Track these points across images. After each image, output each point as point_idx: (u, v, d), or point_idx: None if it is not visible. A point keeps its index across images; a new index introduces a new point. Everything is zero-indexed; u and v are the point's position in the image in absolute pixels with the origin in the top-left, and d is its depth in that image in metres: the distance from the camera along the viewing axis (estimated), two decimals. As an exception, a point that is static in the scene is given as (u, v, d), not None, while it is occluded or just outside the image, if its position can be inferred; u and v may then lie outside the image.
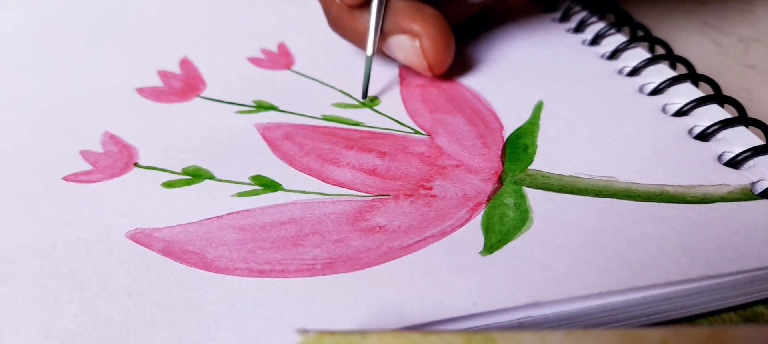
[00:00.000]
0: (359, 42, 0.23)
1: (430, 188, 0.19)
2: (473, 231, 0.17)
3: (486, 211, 0.18)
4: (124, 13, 0.31)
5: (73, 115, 0.23)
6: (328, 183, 0.19)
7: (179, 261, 0.16)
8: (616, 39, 0.25)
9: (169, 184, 0.19)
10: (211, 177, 0.19)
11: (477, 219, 0.17)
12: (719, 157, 0.19)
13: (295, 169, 0.20)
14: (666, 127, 0.20)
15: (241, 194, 0.19)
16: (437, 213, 0.18)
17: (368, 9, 0.22)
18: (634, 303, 0.15)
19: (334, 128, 0.22)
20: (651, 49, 0.25)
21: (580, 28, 0.27)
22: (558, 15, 0.28)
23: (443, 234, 0.17)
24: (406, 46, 0.23)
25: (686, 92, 0.21)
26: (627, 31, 0.26)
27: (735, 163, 0.19)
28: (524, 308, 0.15)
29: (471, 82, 0.24)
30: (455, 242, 0.17)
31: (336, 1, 0.23)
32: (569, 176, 0.19)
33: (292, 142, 0.21)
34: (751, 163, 0.18)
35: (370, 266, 0.16)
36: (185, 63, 0.26)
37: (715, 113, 0.20)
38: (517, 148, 0.20)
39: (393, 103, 0.23)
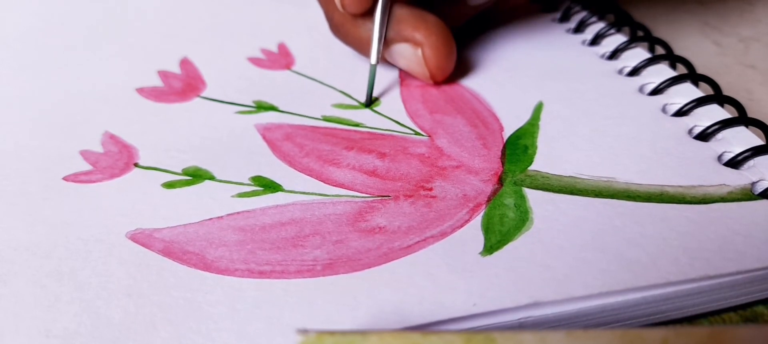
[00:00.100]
0: (362, 49, 0.23)
1: (430, 189, 0.19)
2: (473, 232, 0.17)
3: (486, 212, 0.18)
4: (124, 13, 0.31)
5: (73, 115, 0.23)
6: (328, 184, 0.19)
7: (179, 261, 0.16)
8: (616, 39, 0.25)
9: (169, 185, 0.19)
10: (212, 178, 0.19)
11: (477, 220, 0.17)
12: (719, 157, 0.19)
13: (295, 169, 0.20)
14: (666, 127, 0.20)
15: (241, 195, 0.19)
16: (437, 213, 0.18)
17: (371, 17, 0.22)
18: (634, 304, 0.15)
19: (334, 129, 0.22)
20: (651, 49, 0.25)
21: (580, 28, 0.27)
22: (558, 15, 0.28)
23: (443, 234, 0.17)
24: (408, 55, 0.23)
25: (686, 92, 0.21)
26: (627, 31, 0.26)
27: (735, 163, 0.19)
28: (524, 308, 0.15)
29: (471, 82, 0.24)
30: (455, 243, 0.17)
31: (338, 9, 0.23)
32: (569, 177, 0.19)
33: (292, 142, 0.21)
34: (751, 163, 0.18)
35: (370, 267, 0.16)
36: (185, 63, 0.26)
37: (715, 113, 0.20)
38: (517, 148, 0.20)
39: (393, 104, 0.23)
